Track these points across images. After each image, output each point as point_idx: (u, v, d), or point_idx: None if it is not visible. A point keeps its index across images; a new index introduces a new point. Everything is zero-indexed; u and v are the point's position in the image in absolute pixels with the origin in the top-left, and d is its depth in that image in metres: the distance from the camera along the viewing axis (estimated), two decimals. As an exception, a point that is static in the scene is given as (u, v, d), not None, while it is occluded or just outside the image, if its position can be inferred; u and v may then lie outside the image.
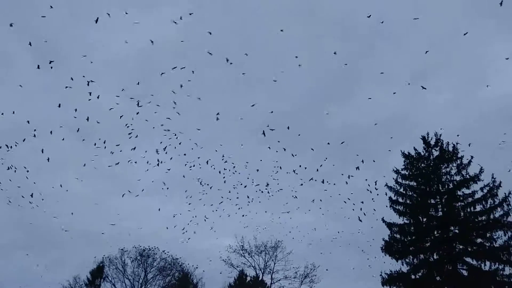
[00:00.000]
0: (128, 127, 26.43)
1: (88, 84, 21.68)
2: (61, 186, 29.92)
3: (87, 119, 24.73)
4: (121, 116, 26.55)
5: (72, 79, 21.94)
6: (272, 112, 27.53)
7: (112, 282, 55.61)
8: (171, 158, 30.34)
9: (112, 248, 58.05)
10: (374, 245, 35.25)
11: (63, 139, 26.65)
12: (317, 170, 31.62)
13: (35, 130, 24.60)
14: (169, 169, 31.02)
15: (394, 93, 30.23)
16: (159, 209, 35.58)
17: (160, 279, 56.72)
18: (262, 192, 34.37)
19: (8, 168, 25.56)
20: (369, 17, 25.22)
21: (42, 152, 25.39)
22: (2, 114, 22.47)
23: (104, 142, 26.81)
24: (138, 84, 22.76)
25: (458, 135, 33.70)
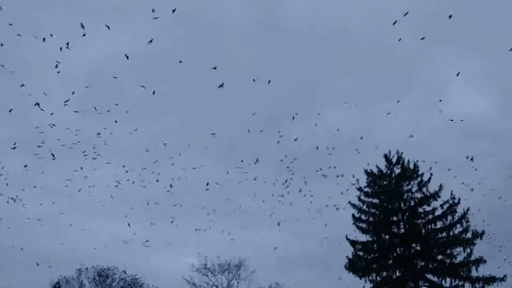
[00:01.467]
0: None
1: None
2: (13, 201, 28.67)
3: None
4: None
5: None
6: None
7: (69, 305, 53.54)
8: (128, 180, 29.56)
9: (68, 268, 55.91)
10: (339, 262, 35.24)
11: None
12: (275, 186, 31.41)
13: None
14: (121, 186, 30.20)
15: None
16: (119, 232, 34.39)
17: (119, 301, 55.01)
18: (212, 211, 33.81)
19: None
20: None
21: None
22: None
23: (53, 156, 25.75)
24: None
25: (420, 157, 34.28)
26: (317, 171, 30.21)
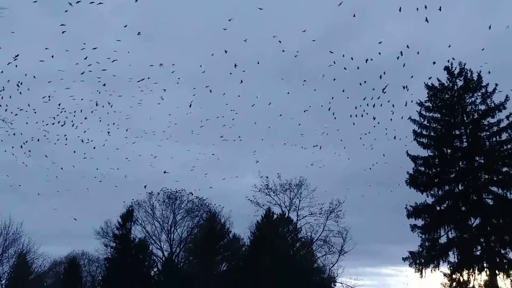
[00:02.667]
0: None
1: None
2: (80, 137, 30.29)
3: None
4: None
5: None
6: (283, 51, 26.75)
7: (142, 225, 57.49)
8: (190, 105, 30.19)
9: (140, 192, 59.38)
10: (395, 180, 35.23)
11: (67, 88, 26.45)
12: (329, 108, 31.06)
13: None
14: (186, 113, 30.92)
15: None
16: (184, 155, 35.75)
17: (188, 220, 58.34)
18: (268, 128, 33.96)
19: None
20: None
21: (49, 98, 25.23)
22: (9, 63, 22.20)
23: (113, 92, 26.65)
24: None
25: (486, 63, 32.31)
26: (373, 89, 29.51)
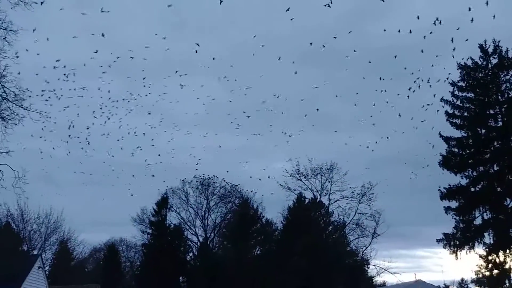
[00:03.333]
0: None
1: None
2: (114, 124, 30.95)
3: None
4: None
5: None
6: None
7: (177, 211, 58.61)
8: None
9: (174, 179, 60.42)
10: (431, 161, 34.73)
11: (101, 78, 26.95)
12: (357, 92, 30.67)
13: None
14: (213, 99, 31.15)
15: None
16: (214, 142, 36.18)
17: (221, 206, 59.18)
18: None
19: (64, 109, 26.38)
20: None
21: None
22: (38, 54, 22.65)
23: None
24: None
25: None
26: (405, 68, 29.01)
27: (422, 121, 32.34)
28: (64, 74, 23.54)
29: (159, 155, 34.85)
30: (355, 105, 32.65)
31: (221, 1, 19.13)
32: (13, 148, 19.87)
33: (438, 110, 32.78)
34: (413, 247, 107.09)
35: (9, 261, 31.27)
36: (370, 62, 28.01)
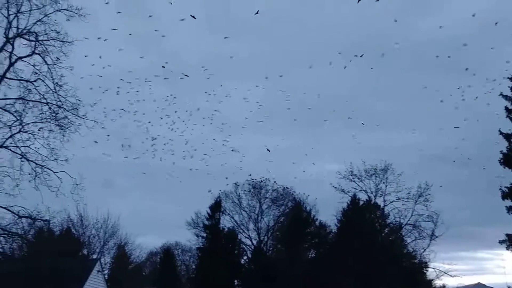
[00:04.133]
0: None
1: None
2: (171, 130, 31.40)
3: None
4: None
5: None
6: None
7: (230, 214, 58.92)
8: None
9: (227, 183, 60.85)
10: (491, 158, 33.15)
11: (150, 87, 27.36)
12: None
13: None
14: (261, 105, 31.10)
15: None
16: (264, 145, 36.07)
17: (274, 209, 58.94)
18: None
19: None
20: None
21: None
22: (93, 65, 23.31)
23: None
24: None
25: None
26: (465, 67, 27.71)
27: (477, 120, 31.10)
28: (121, 79, 24.19)
29: (205, 160, 35.17)
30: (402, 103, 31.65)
31: (257, 12, 19.14)
32: (71, 156, 20.50)
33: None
34: (474, 249, 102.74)
35: (70, 264, 32.42)
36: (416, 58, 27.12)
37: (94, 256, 52.63)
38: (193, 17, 21.88)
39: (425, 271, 52.68)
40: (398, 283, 46.45)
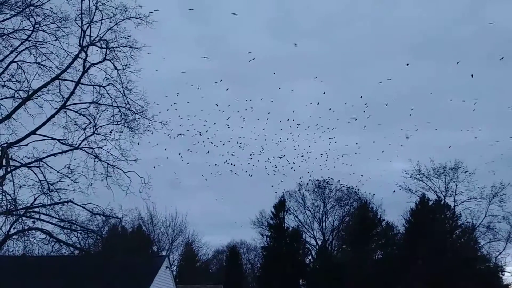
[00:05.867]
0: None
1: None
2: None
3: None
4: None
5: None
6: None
7: (295, 214, 58.97)
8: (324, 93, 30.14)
9: (291, 183, 60.95)
10: None
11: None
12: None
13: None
14: (324, 105, 30.90)
15: None
16: (330, 142, 35.72)
17: (338, 208, 58.43)
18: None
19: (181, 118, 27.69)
20: None
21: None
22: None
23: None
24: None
25: None
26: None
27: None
28: (186, 83, 24.92)
29: (268, 159, 35.42)
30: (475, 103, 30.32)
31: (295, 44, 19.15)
32: (140, 156, 21.28)
33: None
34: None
35: (141, 260, 33.68)
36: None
37: (163, 253, 54.40)
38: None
39: (501, 275, 50.28)
40: (471, 287, 44.55)
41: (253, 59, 25.17)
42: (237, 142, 32.82)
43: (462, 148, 56.72)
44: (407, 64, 26.38)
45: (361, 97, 30.45)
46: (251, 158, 33.95)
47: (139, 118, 20.94)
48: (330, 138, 35.08)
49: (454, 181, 49.83)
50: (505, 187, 47.70)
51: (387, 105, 30.63)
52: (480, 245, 50.01)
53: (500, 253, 48.90)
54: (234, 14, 23.19)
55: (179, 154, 31.71)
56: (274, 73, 29.34)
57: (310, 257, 60.26)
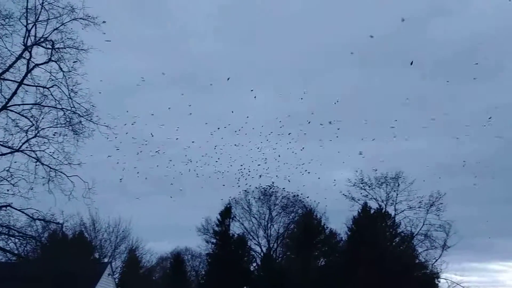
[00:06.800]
0: None
1: None
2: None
3: None
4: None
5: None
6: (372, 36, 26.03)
7: (240, 221, 59.07)
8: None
9: (236, 189, 61.01)
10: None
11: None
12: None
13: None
14: (273, 112, 31.38)
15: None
16: (274, 149, 36.19)
17: (284, 216, 58.98)
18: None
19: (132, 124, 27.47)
20: None
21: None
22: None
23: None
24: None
25: None
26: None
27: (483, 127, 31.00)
28: (138, 85, 24.58)
29: (215, 165, 35.49)
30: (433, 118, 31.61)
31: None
32: (84, 160, 20.89)
33: None
34: (487, 260, 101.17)
35: (82, 267, 32.82)
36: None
37: (105, 260, 53.06)
38: None
39: (437, 282, 52.28)
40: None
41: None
42: (186, 148, 32.74)
43: (403, 158, 58.94)
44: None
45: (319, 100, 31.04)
46: (201, 166, 33.93)
47: (84, 121, 20.62)
48: (274, 148, 35.55)
49: (394, 191, 51.59)
50: (441, 197, 49.86)
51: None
52: (418, 253, 51.94)
53: (436, 260, 50.89)
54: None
55: (124, 155, 31.12)
56: (228, 79, 29.42)
57: (254, 264, 60.48)
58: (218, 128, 32.71)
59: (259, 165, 39.87)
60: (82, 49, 19.99)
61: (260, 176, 41.06)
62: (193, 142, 32.85)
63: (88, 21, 19.77)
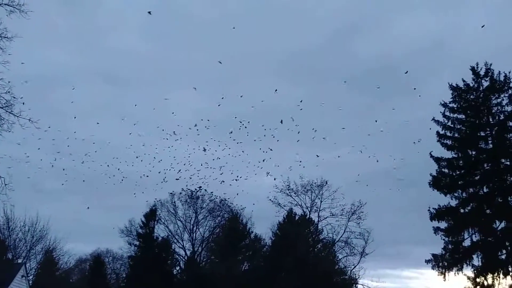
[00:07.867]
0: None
1: None
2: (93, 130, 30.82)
3: None
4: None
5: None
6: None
7: (165, 224, 58.18)
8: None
9: (162, 192, 60.02)
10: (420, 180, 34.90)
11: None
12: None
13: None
14: (201, 114, 31.34)
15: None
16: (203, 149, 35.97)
17: (210, 219, 58.87)
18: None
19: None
20: None
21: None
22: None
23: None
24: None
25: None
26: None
27: (417, 141, 32.66)
28: (59, 78, 23.47)
29: (139, 166, 34.80)
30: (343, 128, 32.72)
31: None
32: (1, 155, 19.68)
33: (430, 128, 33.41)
34: (401, 267, 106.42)
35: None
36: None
37: (20, 261, 50.21)
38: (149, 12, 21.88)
39: (355, 287, 54.07)
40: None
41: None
42: (110, 147, 31.74)
43: (329, 167, 60.64)
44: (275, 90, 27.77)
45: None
46: (123, 164, 32.98)
47: (4, 113, 19.40)
48: (205, 150, 35.38)
49: (319, 198, 53.04)
50: (363, 205, 51.86)
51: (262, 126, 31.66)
52: (338, 259, 53.62)
53: (355, 266, 52.79)
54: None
55: (44, 152, 29.63)
56: (153, 82, 28.94)
57: (178, 268, 59.74)
58: (135, 125, 31.94)
59: (184, 164, 39.53)
60: (5, 37, 18.83)
61: (183, 178, 40.64)
62: (111, 141, 31.88)
63: (14, 7, 18.64)
